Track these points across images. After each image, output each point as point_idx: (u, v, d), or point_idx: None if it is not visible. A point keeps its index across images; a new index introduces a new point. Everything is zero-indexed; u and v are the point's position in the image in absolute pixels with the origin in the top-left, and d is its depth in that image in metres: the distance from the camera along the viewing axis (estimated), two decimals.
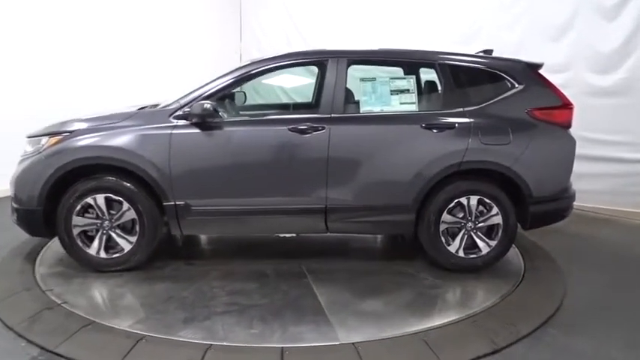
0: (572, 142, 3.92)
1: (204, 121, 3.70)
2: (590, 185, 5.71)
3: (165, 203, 3.76)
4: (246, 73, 3.88)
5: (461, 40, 6.65)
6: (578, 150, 5.73)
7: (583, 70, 5.85)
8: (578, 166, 5.56)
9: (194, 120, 3.70)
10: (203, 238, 4.75)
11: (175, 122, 3.73)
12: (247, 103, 5.46)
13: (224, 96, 4.04)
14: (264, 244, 4.57)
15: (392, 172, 3.79)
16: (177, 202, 3.76)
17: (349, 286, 3.67)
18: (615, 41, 5.62)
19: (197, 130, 3.71)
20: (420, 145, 3.78)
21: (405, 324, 3.16)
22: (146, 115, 3.83)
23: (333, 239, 4.62)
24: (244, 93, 5.28)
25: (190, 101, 3.76)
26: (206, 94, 3.81)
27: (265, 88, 8.06)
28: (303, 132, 3.73)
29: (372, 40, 6.77)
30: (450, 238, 3.92)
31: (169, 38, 8.15)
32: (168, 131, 3.71)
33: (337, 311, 3.29)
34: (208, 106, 3.64)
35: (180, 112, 3.75)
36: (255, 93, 7.50)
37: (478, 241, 3.89)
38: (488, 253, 3.91)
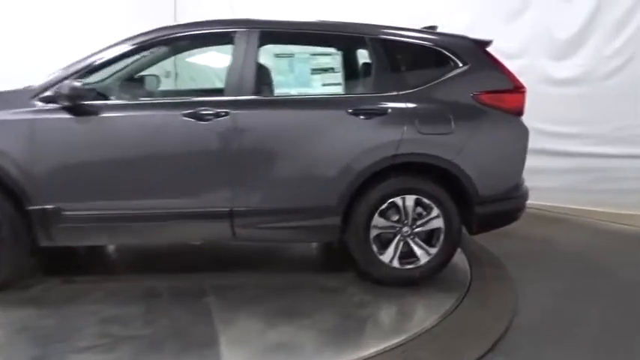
0: (524, 131, 3.35)
1: (76, 105, 2.96)
2: (545, 182, 5.17)
3: (29, 207, 2.99)
4: (135, 44, 3.15)
5: (409, 23, 6.04)
6: (533, 144, 5.21)
7: (539, 56, 5.34)
8: (532, 161, 5.03)
9: (63, 103, 2.95)
10: (98, 247, 3.97)
11: (40, 106, 2.97)
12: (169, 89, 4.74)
13: (121, 76, 3.33)
14: (169, 254, 3.84)
15: (312, 167, 3.14)
16: (46, 206, 3.00)
17: (258, 307, 3.00)
18: (573, 26, 5.13)
19: (68, 116, 2.97)
20: (345, 134, 3.14)
21: (318, 358, 2.51)
22: (1, 96, 3.05)
23: (249, 248, 3.93)
24: (157, 77, 4.52)
25: (60, 79, 3.00)
26: (82, 70, 3.06)
27: (200, 74, 7.26)
28: (201, 118, 3.03)
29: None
30: (382, 246, 3.29)
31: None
32: (30, 117, 2.95)
33: (235, 343, 2.62)
34: (78, 84, 2.91)
35: (47, 93, 2.99)
36: (189, 80, 6.77)
37: (416, 248, 3.28)
38: (427, 262, 3.30)
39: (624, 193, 4.99)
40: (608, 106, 5.02)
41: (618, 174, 5.05)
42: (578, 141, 5.20)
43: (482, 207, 3.28)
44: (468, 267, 3.70)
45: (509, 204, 3.39)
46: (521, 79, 3.45)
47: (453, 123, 3.17)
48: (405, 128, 3.13)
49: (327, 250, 4.05)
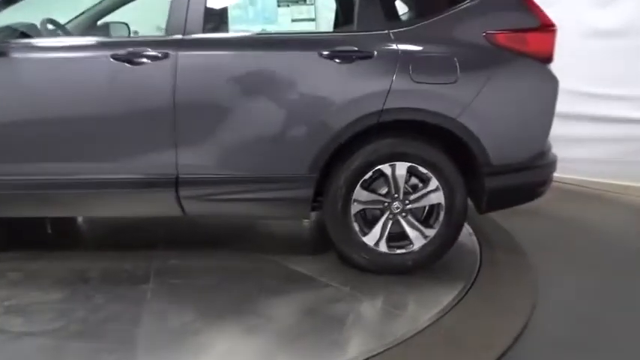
0: (553, 83, 2.61)
1: None
2: (580, 152, 4.42)
3: None
4: None
5: None
6: (567, 106, 4.40)
7: (577, 2, 4.50)
8: (565, 127, 4.30)
9: None
10: (27, 220, 3.34)
11: None
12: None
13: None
14: (115, 229, 3.27)
15: (275, 124, 2.48)
16: None
17: (204, 299, 2.41)
18: None
19: None
20: (317, 83, 2.47)
21: None
22: None
23: (212, 224, 3.33)
24: (126, 25, 3.90)
25: None
26: None
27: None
28: (134, 61, 2.40)
29: None
30: (366, 225, 2.64)
31: None
32: None
33: (154, 346, 2.03)
34: None
35: None
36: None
37: (408, 229, 2.61)
38: (423, 247, 2.63)
39: None
40: None
41: None
42: (622, 105, 4.35)
43: (494, 179, 2.58)
44: (477, 252, 3.01)
45: (529, 176, 2.67)
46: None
47: (458, 70, 2.46)
48: (395, 76, 2.44)
49: (305, 228, 3.41)
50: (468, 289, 2.57)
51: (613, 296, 2.60)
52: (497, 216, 3.40)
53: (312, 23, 2.65)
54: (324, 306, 2.39)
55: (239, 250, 2.95)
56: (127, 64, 2.40)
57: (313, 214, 2.77)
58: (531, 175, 2.66)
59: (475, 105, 2.48)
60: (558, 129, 4.14)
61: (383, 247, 2.63)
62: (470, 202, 2.72)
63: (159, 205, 2.60)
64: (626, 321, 2.36)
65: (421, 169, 2.54)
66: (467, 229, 3.28)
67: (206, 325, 2.21)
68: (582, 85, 4.38)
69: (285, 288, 2.52)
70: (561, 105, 3.99)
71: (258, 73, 2.47)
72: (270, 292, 2.49)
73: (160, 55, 2.40)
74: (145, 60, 2.40)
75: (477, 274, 2.73)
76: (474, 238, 3.21)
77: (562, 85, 3.47)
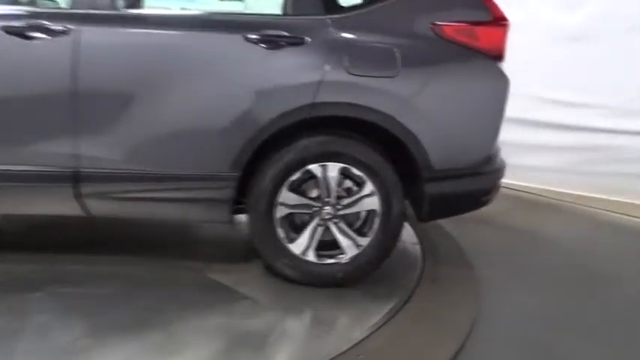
0: (503, 82, 2.39)
1: None
2: (537, 160, 4.28)
3: None
4: None
5: None
6: (526, 112, 4.29)
7: (543, 3, 4.34)
8: (523, 134, 4.17)
9: None
10: None
11: None
12: None
13: None
14: (33, 227, 2.93)
15: (192, 115, 2.21)
16: None
17: (104, 309, 2.11)
18: None
19: None
20: (242, 70, 2.20)
21: None
22: None
23: (129, 225, 3.00)
24: None
25: None
26: None
27: None
28: (29, 35, 2.08)
29: None
30: (293, 231, 2.38)
31: None
32: None
33: None
34: None
35: None
36: None
37: (340, 237, 2.36)
38: (356, 257, 2.38)
39: (632, 178, 4.02)
40: (622, 71, 4.02)
41: (627, 154, 4.07)
42: (582, 112, 4.21)
43: (435, 185, 2.35)
44: (419, 265, 2.77)
45: (474, 183, 2.44)
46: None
47: (399, 63, 2.21)
48: (329, 66, 2.18)
49: (233, 233, 3.12)
50: (402, 306, 2.33)
51: (560, 318, 2.39)
52: (447, 223, 3.19)
53: (241, 3, 2.37)
54: (239, 322, 2.12)
55: (155, 255, 2.64)
56: (21, 39, 2.08)
57: (238, 219, 2.49)
58: (477, 181, 2.44)
59: (416, 102, 2.24)
60: (516, 135, 4.03)
61: (311, 256, 2.37)
62: (410, 209, 2.48)
63: (56, 203, 2.28)
64: (575, 347, 2.15)
65: (355, 171, 2.29)
66: (411, 237, 3.06)
67: (98, 341, 1.91)
68: (546, 90, 4.22)
69: (200, 300, 2.23)
70: (522, 111, 3.87)
71: (174, 55, 2.19)
72: (182, 304, 2.20)
73: (59, 29, 2.09)
74: (41, 35, 2.09)
75: (414, 289, 2.49)
76: (418, 247, 2.98)
77: (524, 90, 3.29)
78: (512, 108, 2.47)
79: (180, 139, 2.21)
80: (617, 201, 4.04)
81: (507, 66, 2.39)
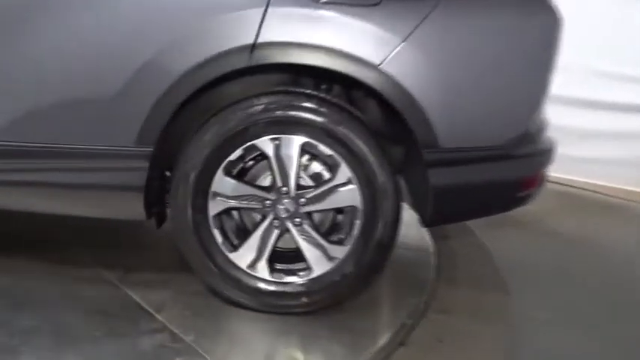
0: (552, 19, 1.58)
1: None
2: (597, 150, 3.37)
3: None
4: None
5: None
6: (583, 90, 3.38)
7: None
8: (579, 116, 3.31)
9: None
10: None
11: None
12: None
13: None
14: None
15: (75, 63, 1.52)
16: None
17: None
18: None
19: None
20: None
21: None
22: None
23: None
24: None
25: None
26: None
27: None
28: None
29: None
30: (237, 236, 1.66)
31: None
32: None
33: None
34: None
35: None
36: None
37: (303, 245, 1.62)
38: (326, 275, 1.63)
39: None
40: None
41: None
42: None
43: (443, 171, 1.58)
44: (429, 286, 1.99)
45: (504, 170, 1.65)
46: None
47: None
48: None
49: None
50: (392, 353, 1.57)
51: None
52: (478, 226, 2.42)
53: None
54: None
55: (56, 262, 1.96)
56: None
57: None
58: (508, 168, 1.65)
59: (413, 45, 1.47)
60: (569, 119, 3.17)
61: (262, 272, 1.64)
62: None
63: None
64: None
65: (323, 147, 1.55)
66: (425, 243, 2.29)
67: None
68: (601, 62, 3.32)
69: (101, 327, 1.55)
70: (568, 86, 3.01)
71: None
72: (79, 331, 1.53)
73: None
74: None
75: (412, 327, 1.72)
76: (432, 260, 2.20)
77: (573, 60, 2.53)
78: (556, 83, 1.68)
79: (58, 99, 1.53)
80: None
81: None
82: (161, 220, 1.75)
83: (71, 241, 2.13)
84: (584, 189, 3.34)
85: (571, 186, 3.33)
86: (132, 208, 1.61)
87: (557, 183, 2.99)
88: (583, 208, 3.16)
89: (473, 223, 2.64)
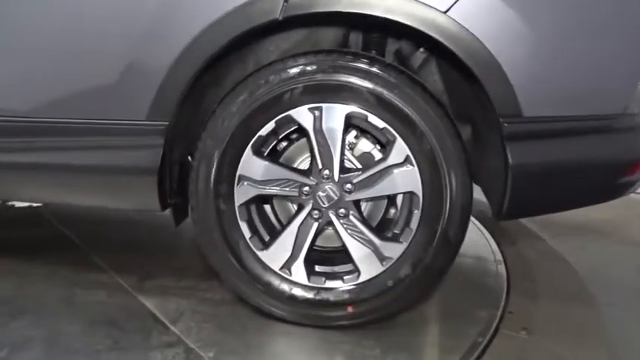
0: None
1: None
2: None
3: None
4: None
5: None
6: None
7: None
8: None
9: None
10: None
11: None
12: None
13: None
14: None
15: (81, 23, 1.27)
16: None
17: None
18: None
19: None
20: None
21: None
22: None
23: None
24: None
25: None
26: None
27: None
28: None
29: None
30: (267, 230, 1.37)
31: None
32: None
33: None
34: None
35: None
36: None
37: (350, 241, 1.30)
38: (375, 279, 1.31)
39: None
40: None
41: None
42: None
43: (526, 146, 1.24)
44: (504, 297, 1.63)
45: (604, 147, 1.30)
46: None
47: None
48: None
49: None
50: None
51: None
52: (551, 236, 2.07)
53: None
54: None
55: (72, 262, 1.72)
56: None
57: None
58: (608, 145, 1.30)
59: None
60: None
61: (299, 275, 1.34)
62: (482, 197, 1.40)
63: None
64: None
65: (374, 119, 1.25)
66: (489, 252, 1.95)
67: None
68: None
69: (105, 339, 1.28)
70: None
71: None
72: (77, 343, 1.27)
73: None
74: None
75: (489, 342, 1.37)
76: (503, 269, 1.85)
77: None
78: None
79: (55, 65, 1.29)
80: None
81: None
82: (181, 216, 1.48)
83: (80, 242, 1.89)
84: None
85: None
86: (144, 197, 1.34)
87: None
88: None
89: (541, 229, 2.29)
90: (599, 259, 2.07)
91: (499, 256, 1.95)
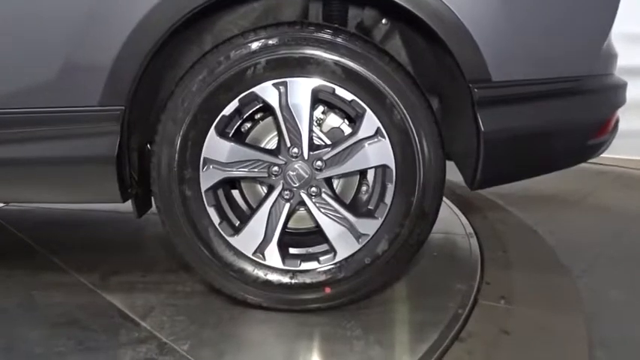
0: None
1: None
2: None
3: None
4: None
5: None
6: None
7: None
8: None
9: None
10: None
11: None
12: None
13: None
14: None
15: (25, 13, 1.18)
16: None
17: None
18: None
19: None
20: None
21: None
22: None
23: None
24: None
25: None
26: None
27: None
28: None
29: None
30: (236, 214, 1.32)
31: None
32: None
33: None
34: None
35: None
36: None
37: (323, 220, 1.26)
38: (352, 257, 1.27)
39: None
40: None
41: None
42: None
43: (498, 112, 1.23)
44: (476, 279, 1.61)
45: (573, 109, 1.30)
46: None
47: None
48: None
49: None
50: (450, 345, 1.21)
51: None
52: (517, 206, 2.08)
53: None
54: None
55: (28, 263, 1.62)
56: None
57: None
58: (577, 106, 1.30)
59: None
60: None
61: (273, 259, 1.28)
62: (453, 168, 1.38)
63: None
64: None
65: (341, 91, 1.20)
66: (459, 225, 1.95)
67: None
68: None
69: (68, 340, 1.19)
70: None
71: None
72: (37, 347, 1.18)
73: None
74: None
75: (468, 315, 1.36)
76: (474, 242, 1.84)
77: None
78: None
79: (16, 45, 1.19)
80: None
81: None
82: (143, 207, 1.40)
83: (37, 244, 1.78)
84: (627, 167, 3.00)
85: (608, 165, 2.99)
86: (103, 188, 1.26)
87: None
88: (630, 186, 2.80)
89: (510, 203, 2.31)
90: (567, 229, 2.10)
91: (470, 229, 1.95)
